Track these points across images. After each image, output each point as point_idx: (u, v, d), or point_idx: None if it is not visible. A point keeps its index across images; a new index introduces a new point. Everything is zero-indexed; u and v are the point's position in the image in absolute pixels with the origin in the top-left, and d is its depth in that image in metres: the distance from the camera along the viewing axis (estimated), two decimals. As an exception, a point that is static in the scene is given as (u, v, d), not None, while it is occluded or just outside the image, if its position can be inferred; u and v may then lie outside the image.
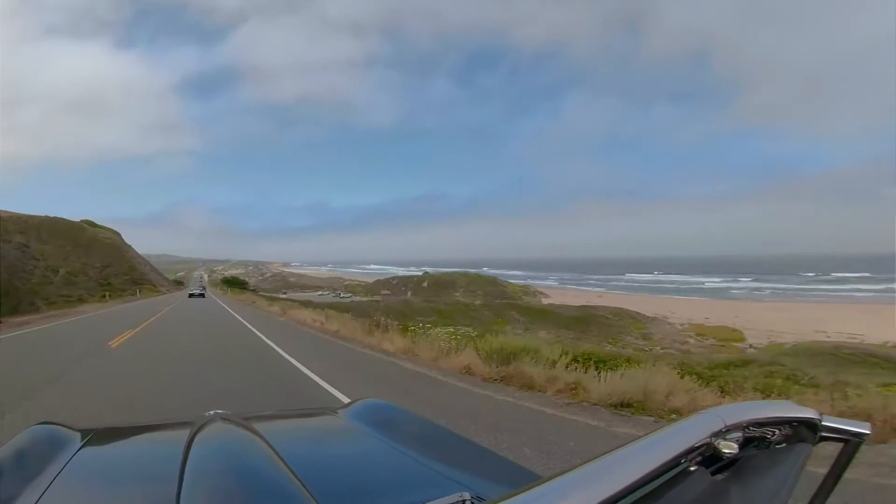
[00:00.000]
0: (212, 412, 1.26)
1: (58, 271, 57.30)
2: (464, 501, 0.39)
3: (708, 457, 0.53)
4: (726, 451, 0.52)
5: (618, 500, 0.41)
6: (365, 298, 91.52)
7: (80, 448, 1.04)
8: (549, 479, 0.42)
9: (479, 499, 0.65)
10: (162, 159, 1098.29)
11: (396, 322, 13.33)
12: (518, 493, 0.39)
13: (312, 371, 7.85)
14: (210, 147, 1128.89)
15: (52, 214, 69.19)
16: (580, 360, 6.90)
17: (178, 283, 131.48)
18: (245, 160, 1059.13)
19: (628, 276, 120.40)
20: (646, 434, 0.49)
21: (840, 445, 0.60)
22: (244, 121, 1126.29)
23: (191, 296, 43.91)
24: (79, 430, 1.18)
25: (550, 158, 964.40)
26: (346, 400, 5.12)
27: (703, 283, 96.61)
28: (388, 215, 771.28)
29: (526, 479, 0.89)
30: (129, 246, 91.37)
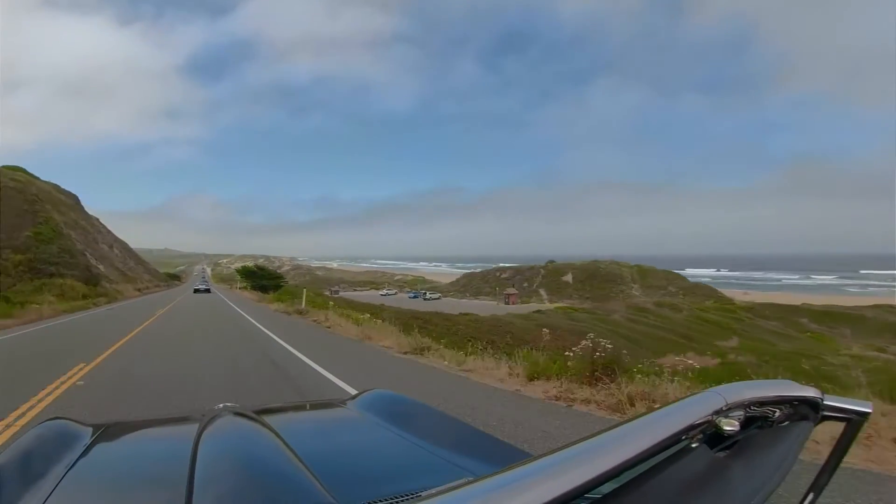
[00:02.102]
0: (221, 405, 1.30)
1: None
2: (458, 484, 0.39)
3: (710, 435, 0.53)
4: (728, 428, 0.52)
5: (618, 475, 0.41)
6: (480, 301, 59.19)
7: (92, 443, 1.06)
8: (550, 453, 0.41)
9: None
10: (164, 148, 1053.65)
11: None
12: (517, 466, 0.39)
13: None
14: (215, 135, 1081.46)
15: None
16: None
17: (174, 278, 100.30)
18: (251, 150, 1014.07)
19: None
20: (647, 411, 0.49)
21: (842, 425, 0.59)
22: (252, 107, 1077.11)
23: (196, 291, 42.17)
24: (90, 426, 1.19)
25: (571, 151, 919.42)
26: None
27: (779, 279, 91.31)
28: (398, 209, 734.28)
29: None
30: (88, 215, 57.61)
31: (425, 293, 73.12)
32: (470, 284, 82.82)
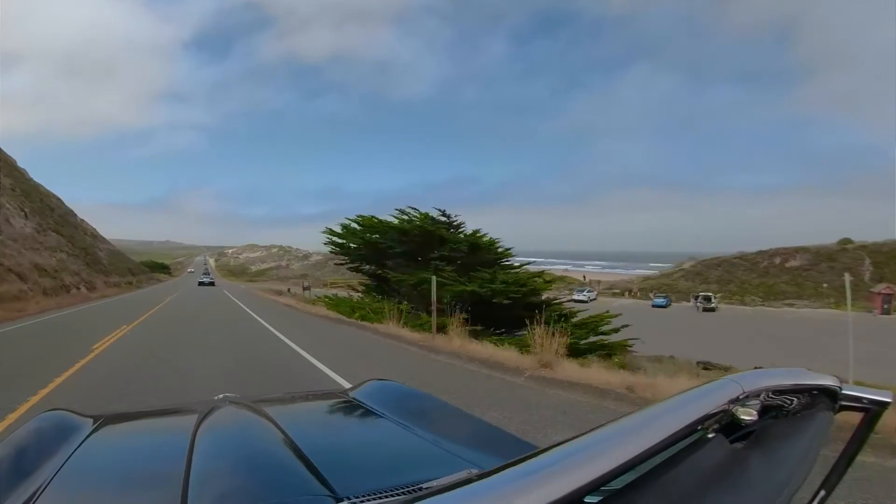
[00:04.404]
0: (221, 395, 1.32)
1: None
2: (471, 478, 0.38)
3: (726, 424, 0.52)
4: (745, 417, 0.50)
5: (633, 467, 0.39)
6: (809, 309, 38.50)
7: (90, 434, 1.05)
8: (560, 445, 0.39)
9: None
10: (166, 137, 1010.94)
11: None
12: (527, 459, 0.37)
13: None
14: (219, 122, 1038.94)
15: None
16: None
17: (159, 269, 71.41)
18: (255, 139, 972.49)
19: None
20: (661, 400, 0.48)
21: (860, 415, 0.57)
22: (260, 90, 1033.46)
23: (200, 284, 39.85)
24: (90, 417, 1.19)
25: (594, 142, 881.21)
26: None
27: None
28: (409, 202, 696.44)
29: None
30: None
31: (710, 298, 41.81)
32: (731, 277, 49.02)
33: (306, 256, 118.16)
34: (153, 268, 68.02)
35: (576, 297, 45.67)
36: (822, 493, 0.57)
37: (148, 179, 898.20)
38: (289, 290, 30.18)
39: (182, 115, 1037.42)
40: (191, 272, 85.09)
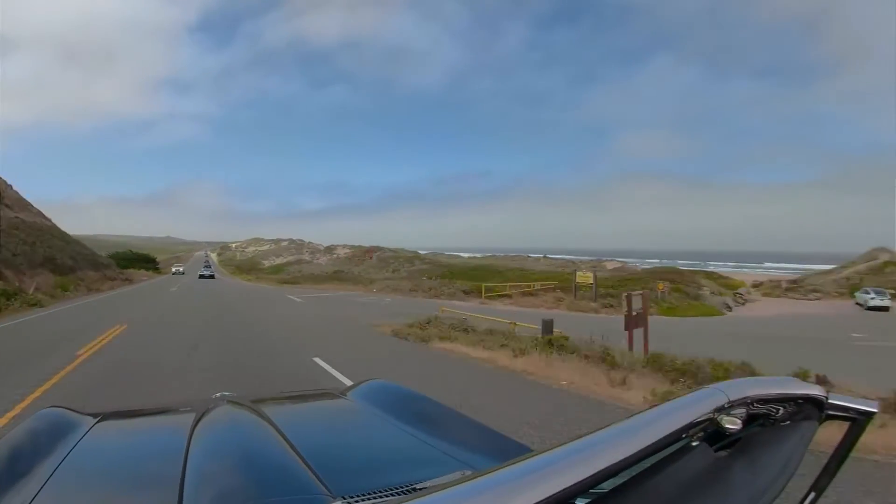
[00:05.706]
0: (218, 394, 1.35)
1: None
2: (464, 478, 0.39)
3: (711, 433, 0.52)
4: (730, 426, 0.51)
5: (617, 473, 0.40)
6: None
7: (88, 432, 1.05)
8: (551, 449, 0.41)
9: None
10: (166, 128, 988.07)
11: None
12: (517, 462, 0.38)
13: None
14: (223, 113, 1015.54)
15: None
16: None
17: (141, 263, 54.78)
18: (259, 131, 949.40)
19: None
20: (647, 408, 0.49)
21: (846, 424, 0.58)
22: (264, 80, 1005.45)
23: (201, 277, 40.99)
24: (88, 414, 1.19)
25: (610, 135, 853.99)
26: None
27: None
28: (416, 196, 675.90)
29: None
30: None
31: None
32: None
33: (330, 249, 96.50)
34: (129, 262, 47.04)
35: (872, 302, 30.90)
36: (812, 495, 0.58)
37: (148, 173, 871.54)
38: (514, 325, 9.44)
39: (184, 105, 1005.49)
40: (178, 272, 52.85)
